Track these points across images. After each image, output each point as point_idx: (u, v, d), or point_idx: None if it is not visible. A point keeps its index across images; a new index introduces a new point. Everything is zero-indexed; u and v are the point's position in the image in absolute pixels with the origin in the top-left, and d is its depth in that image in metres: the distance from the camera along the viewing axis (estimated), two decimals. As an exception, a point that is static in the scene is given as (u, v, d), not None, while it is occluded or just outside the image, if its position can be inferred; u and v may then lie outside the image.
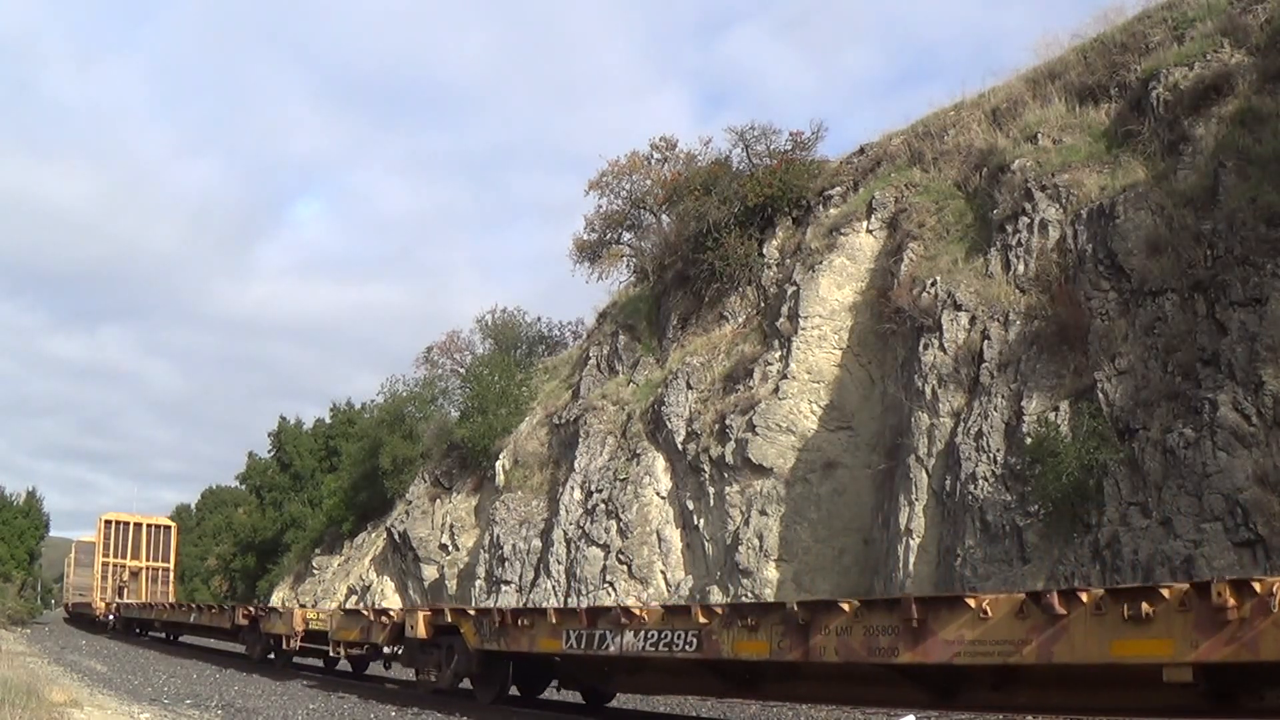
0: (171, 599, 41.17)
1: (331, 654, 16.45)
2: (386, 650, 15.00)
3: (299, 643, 17.71)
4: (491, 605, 20.16)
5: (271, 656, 19.42)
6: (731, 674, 9.76)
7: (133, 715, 11.44)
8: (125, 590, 41.63)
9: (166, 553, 45.32)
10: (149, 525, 45.14)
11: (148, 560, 44.03)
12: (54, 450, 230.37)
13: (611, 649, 9.82)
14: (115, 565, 43.01)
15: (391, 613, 14.61)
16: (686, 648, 9.08)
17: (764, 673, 9.44)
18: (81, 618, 44.65)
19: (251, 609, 20.96)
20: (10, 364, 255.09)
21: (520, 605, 24.48)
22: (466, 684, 12.86)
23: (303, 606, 23.28)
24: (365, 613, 15.36)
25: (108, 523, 44.04)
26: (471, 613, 12.49)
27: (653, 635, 9.39)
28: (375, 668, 17.99)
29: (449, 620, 12.67)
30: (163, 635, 30.34)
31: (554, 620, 10.79)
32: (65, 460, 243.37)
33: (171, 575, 46.08)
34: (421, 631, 12.94)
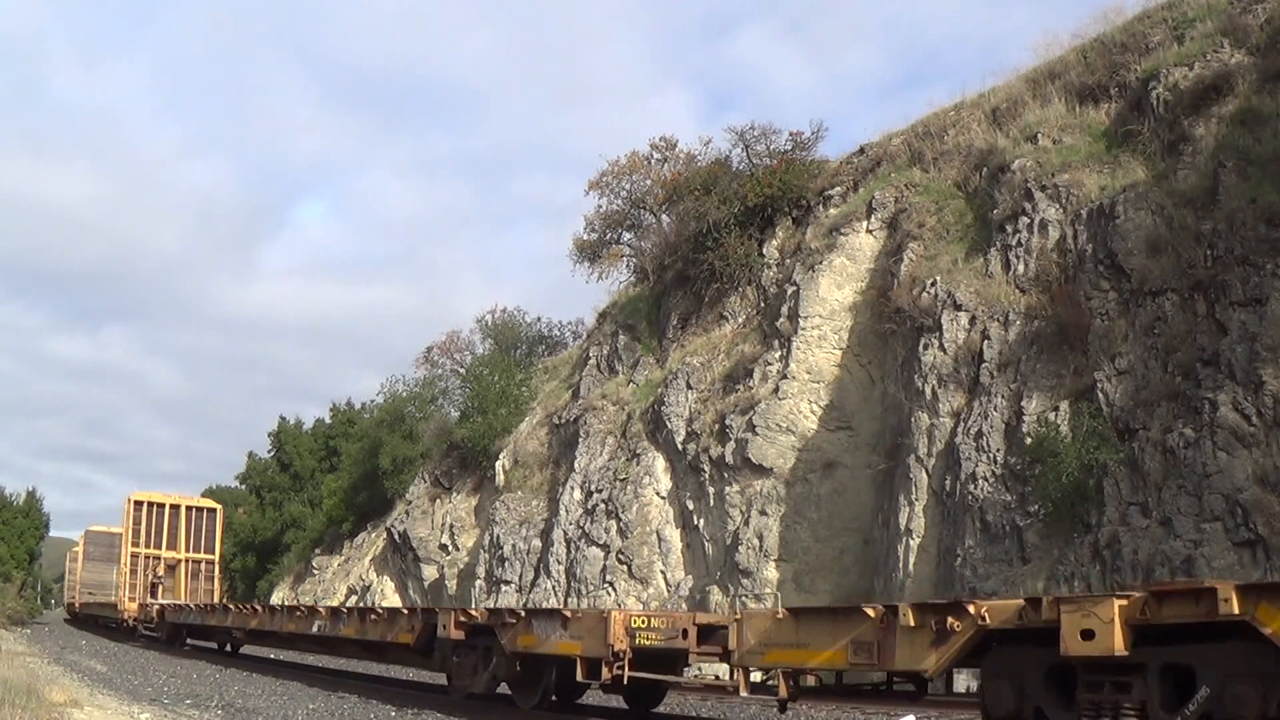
0: (217, 598, 34.10)
1: (742, 691, 9.05)
2: (927, 677, 7.89)
3: (627, 670, 9.95)
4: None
5: (503, 689, 12.22)
6: None
7: (133, 715, 11.43)
8: (160, 588, 33.18)
9: (210, 542, 35.56)
10: (188, 508, 35.54)
11: (187, 551, 34.67)
12: (55, 450, 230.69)
13: None
14: (148, 557, 33.99)
15: (975, 607, 7.08)
16: None
17: None
18: (92, 620, 38.95)
19: (476, 613, 12.61)
20: (12, 364, 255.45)
21: (520, 605, 24.53)
22: None
23: (619, 608, 13.33)
24: (873, 612, 7.82)
25: (138, 504, 34.30)
26: None
27: None
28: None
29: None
30: (215, 646, 24.03)
31: None
32: (66, 460, 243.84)
33: (217, 570, 36.34)
34: (1115, 643, 6.23)
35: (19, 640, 27.33)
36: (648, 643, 10.06)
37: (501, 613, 12.07)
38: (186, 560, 34.46)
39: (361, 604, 30.60)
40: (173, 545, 34.45)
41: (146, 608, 28.98)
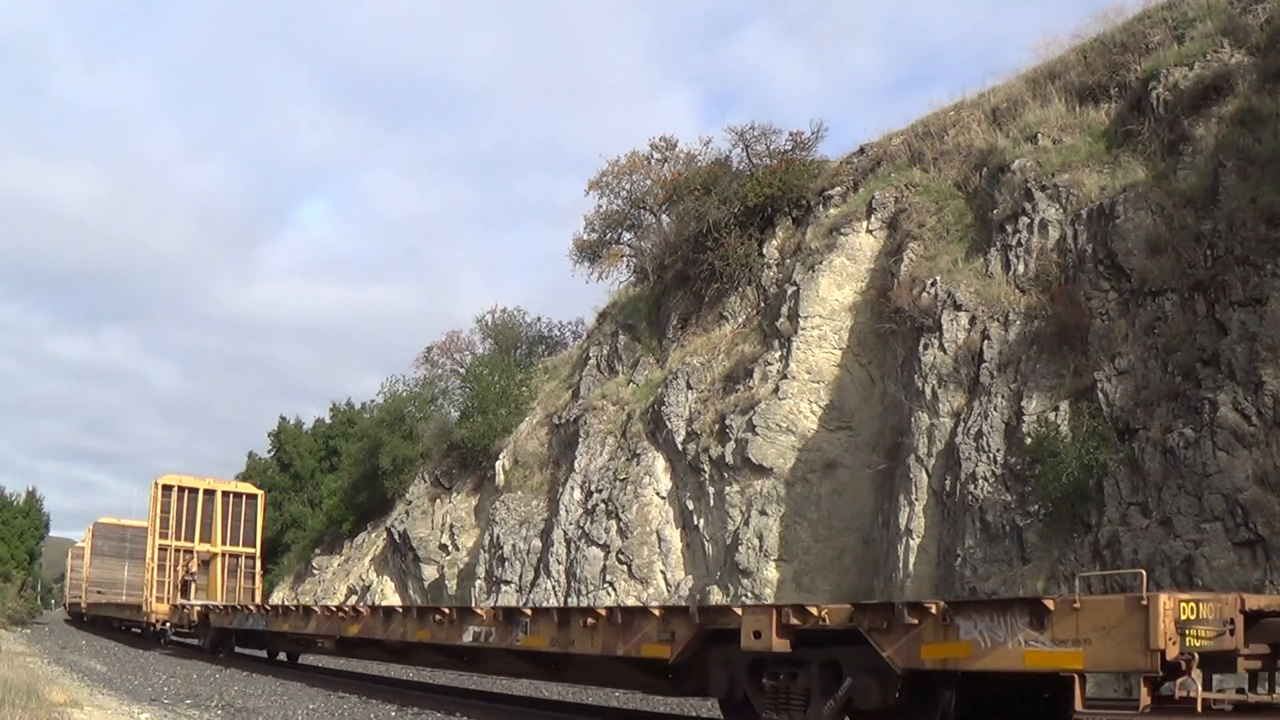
0: (258, 598, 29.15)
1: None
2: None
3: (1200, 692, 6.55)
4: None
5: None
6: None
7: (133, 715, 11.44)
8: (193, 586, 28.42)
9: (250, 532, 30.12)
10: (225, 493, 30.13)
11: (224, 543, 29.35)
12: (56, 450, 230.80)
13: None
14: (179, 550, 28.86)
15: None
16: None
17: None
18: (104, 623, 35.87)
19: (822, 610, 8.20)
20: (14, 365, 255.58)
21: (520, 605, 24.54)
22: None
23: (1165, 591, 6.97)
24: None
25: (166, 489, 29.12)
26: None
27: None
28: None
29: None
30: (264, 654, 21.19)
31: None
32: (67, 460, 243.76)
33: (258, 565, 30.63)
34: None
35: (19, 640, 27.34)
36: (1197, 643, 6.40)
37: (888, 609, 7.63)
38: (223, 554, 29.35)
39: (361, 604, 28.20)
40: (207, 537, 29.25)
41: (183, 610, 24.87)
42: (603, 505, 24.24)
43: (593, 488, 24.95)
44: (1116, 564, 13.89)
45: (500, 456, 29.99)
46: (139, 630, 29.19)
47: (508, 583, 26.50)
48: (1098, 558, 14.24)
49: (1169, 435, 14.01)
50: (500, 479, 29.49)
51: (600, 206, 31.35)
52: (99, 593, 37.93)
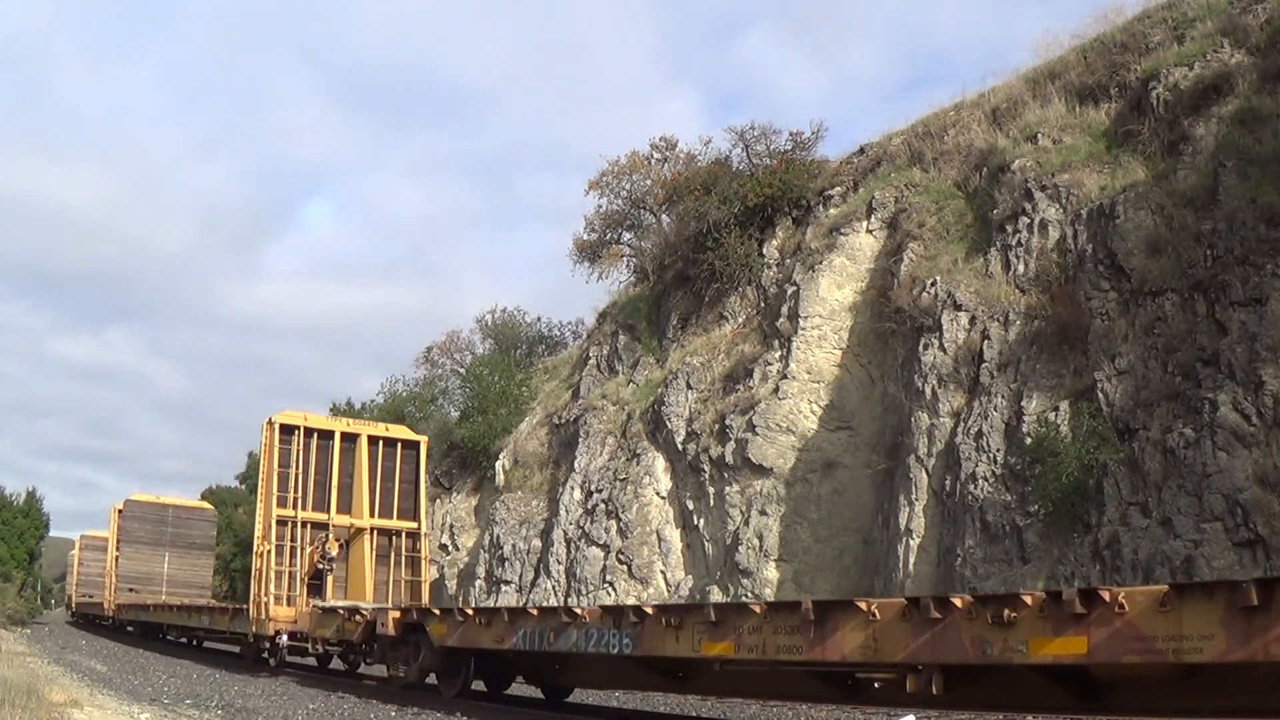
0: (425, 596, 18.83)
1: None
2: None
3: None
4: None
5: None
6: None
7: (133, 715, 11.43)
8: (329, 578, 17.86)
9: (410, 500, 19.10)
10: (372, 439, 19.02)
11: (374, 515, 18.52)
12: (57, 450, 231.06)
13: None
14: (306, 525, 18.04)
15: None
16: None
17: None
18: (148, 631, 27.58)
19: None
20: (16, 365, 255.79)
21: (520, 605, 24.51)
22: None
23: None
24: None
25: (287, 432, 18.24)
26: None
27: None
28: None
29: None
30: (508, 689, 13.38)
31: None
32: (68, 460, 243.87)
33: (423, 549, 19.16)
34: None
35: (19, 640, 27.32)
36: None
37: None
38: (371, 531, 18.45)
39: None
40: (346, 506, 18.57)
41: (349, 617, 15.23)
42: (603, 505, 24.24)
43: (593, 488, 24.95)
44: (1116, 564, 13.90)
45: (500, 456, 30.00)
46: (246, 647, 19.23)
47: (508, 583, 26.52)
48: (1098, 558, 14.24)
49: (1169, 435, 14.01)
50: (500, 479, 29.50)
51: (600, 206, 31.43)
52: (131, 589, 30.11)
